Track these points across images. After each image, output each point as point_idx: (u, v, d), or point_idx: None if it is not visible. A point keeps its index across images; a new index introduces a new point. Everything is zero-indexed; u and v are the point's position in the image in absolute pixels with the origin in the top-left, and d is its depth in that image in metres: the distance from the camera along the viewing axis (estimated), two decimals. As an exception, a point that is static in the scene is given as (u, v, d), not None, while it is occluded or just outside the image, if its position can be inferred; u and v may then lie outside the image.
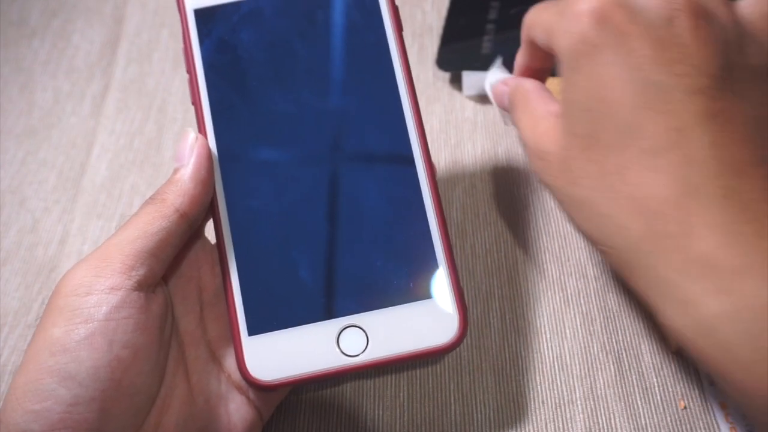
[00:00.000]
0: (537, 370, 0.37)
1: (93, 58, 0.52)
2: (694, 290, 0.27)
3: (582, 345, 0.37)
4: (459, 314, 0.31)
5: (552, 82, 0.39)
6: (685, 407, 0.35)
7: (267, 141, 0.33)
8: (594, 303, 0.39)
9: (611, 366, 0.37)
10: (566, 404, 0.36)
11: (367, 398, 0.37)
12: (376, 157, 0.32)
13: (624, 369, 0.37)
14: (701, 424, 0.35)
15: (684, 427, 0.35)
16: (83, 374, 0.26)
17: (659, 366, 0.36)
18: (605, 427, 0.35)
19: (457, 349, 0.37)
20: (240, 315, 0.31)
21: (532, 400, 0.36)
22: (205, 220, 0.33)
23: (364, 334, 0.30)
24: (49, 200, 0.46)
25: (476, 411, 0.36)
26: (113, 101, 0.50)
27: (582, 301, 0.39)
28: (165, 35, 0.53)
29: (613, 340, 0.37)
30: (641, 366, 0.36)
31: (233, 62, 0.33)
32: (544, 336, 0.38)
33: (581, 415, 0.35)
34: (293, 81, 0.33)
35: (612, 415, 0.35)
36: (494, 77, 0.41)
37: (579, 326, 0.38)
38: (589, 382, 0.36)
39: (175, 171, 0.31)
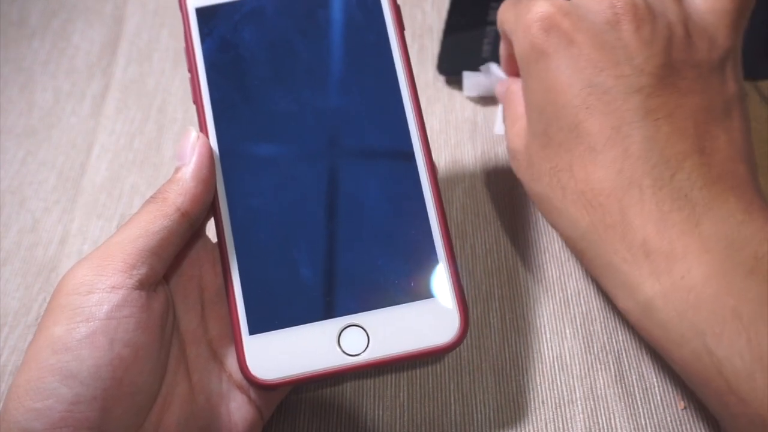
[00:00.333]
0: (537, 370, 0.37)
1: (93, 58, 0.52)
2: (635, 275, 0.29)
3: (582, 345, 0.37)
4: (460, 313, 0.31)
5: None
6: (685, 407, 0.35)
7: (268, 140, 0.33)
8: (594, 303, 0.39)
9: (611, 366, 0.37)
10: (566, 404, 0.36)
11: (367, 398, 0.37)
12: (377, 157, 0.32)
13: (624, 369, 0.37)
14: (701, 424, 0.35)
15: (684, 427, 0.35)
16: (84, 373, 0.26)
17: (659, 366, 0.36)
18: (605, 427, 0.35)
19: (457, 349, 0.37)
20: (241, 314, 0.31)
21: (532, 400, 0.36)
22: (206, 219, 0.33)
23: (365, 333, 0.30)
24: (49, 200, 0.46)
25: (476, 411, 0.36)
26: (113, 101, 0.50)
27: (582, 301, 0.39)
28: (165, 35, 0.53)
29: (613, 340, 0.37)
30: (641, 366, 0.37)
31: (235, 61, 0.33)
32: (544, 336, 0.38)
33: (581, 415, 0.35)
34: (295, 80, 0.33)
35: (612, 415, 0.35)
36: (496, 74, 0.41)
37: (579, 326, 0.38)
38: (589, 382, 0.36)
39: (177, 170, 0.31)
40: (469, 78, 0.46)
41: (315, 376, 0.30)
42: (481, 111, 0.47)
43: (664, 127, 0.30)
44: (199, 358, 0.32)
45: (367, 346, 0.30)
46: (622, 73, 0.30)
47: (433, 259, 0.31)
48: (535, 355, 0.37)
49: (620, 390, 0.36)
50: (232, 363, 0.32)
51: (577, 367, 0.37)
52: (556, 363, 0.37)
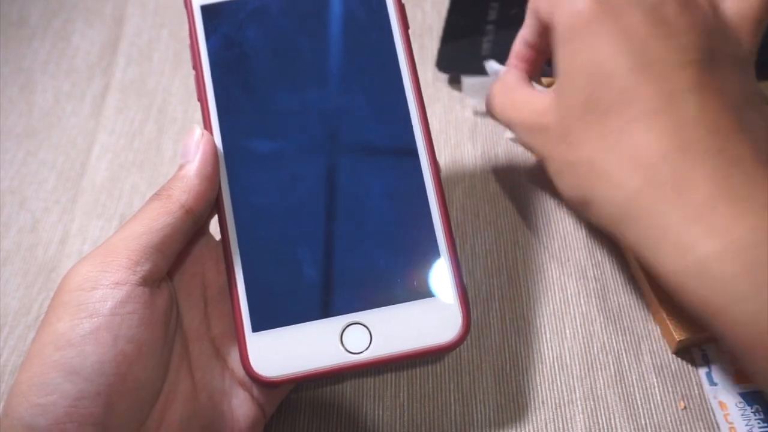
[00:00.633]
0: (537, 370, 0.37)
1: (93, 58, 0.52)
2: (691, 233, 0.29)
3: (582, 345, 0.38)
4: (462, 312, 0.31)
5: (545, 82, 0.40)
6: (685, 407, 0.35)
7: (272, 137, 0.33)
8: (594, 303, 0.39)
9: (611, 366, 0.37)
10: (566, 404, 0.36)
11: (367, 398, 0.37)
12: (380, 155, 0.33)
13: (624, 369, 0.37)
14: (701, 424, 0.35)
15: (684, 427, 0.35)
16: (88, 369, 0.26)
17: (659, 366, 0.36)
18: (605, 427, 0.35)
19: (458, 349, 0.37)
20: (244, 311, 0.31)
21: (532, 400, 0.36)
22: (210, 216, 0.33)
23: (367, 331, 0.30)
24: (49, 200, 0.46)
25: (476, 411, 0.36)
26: (113, 101, 0.50)
27: (582, 302, 0.39)
28: (165, 35, 0.53)
29: (613, 340, 0.38)
30: (641, 366, 0.37)
31: (239, 59, 0.33)
32: (544, 336, 0.38)
33: (581, 415, 0.35)
34: (299, 78, 0.33)
35: (612, 415, 0.35)
36: (494, 68, 0.42)
37: (579, 326, 0.38)
38: (589, 382, 0.36)
39: (181, 167, 0.31)
40: (468, 81, 0.46)
41: (317, 373, 0.30)
42: (481, 111, 0.47)
43: (713, 101, 0.31)
44: (202, 356, 0.32)
45: (370, 344, 0.30)
46: (674, 47, 0.31)
47: (435, 258, 0.31)
48: (535, 355, 0.37)
49: (620, 390, 0.36)
50: (234, 360, 0.32)
51: (577, 367, 0.37)
52: (556, 363, 0.37)
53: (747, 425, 0.34)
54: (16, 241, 0.44)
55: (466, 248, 0.41)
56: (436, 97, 0.48)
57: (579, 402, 0.36)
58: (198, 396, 0.31)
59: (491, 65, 0.42)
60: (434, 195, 0.32)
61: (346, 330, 0.30)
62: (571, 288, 0.39)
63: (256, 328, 0.30)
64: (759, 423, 0.34)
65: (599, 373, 0.37)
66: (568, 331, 0.38)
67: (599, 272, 0.40)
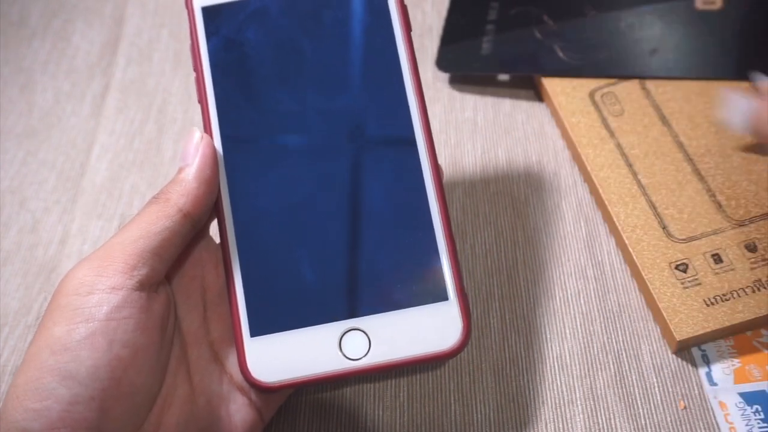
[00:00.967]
0: (537, 370, 0.37)
1: (93, 58, 0.52)
2: None
3: (582, 345, 0.37)
4: (463, 320, 0.30)
5: None
6: (685, 407, 0.35)
7: (273, 140, 0.32)
8: (594, 303, 0.39)
9: (611, 366, 0.37)
10: (566, 404, 0.36)
11: (367, 399, 0.37)
12: (381, 160, 0.32)
13: (624, 369, 0.37)
14: (701, 424, 0.35)
15: (684, 427, 0.35)
16: (83, 373, 0.26)
17: (659, 366, 0.36)
18: (605, 427, 0.35)
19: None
20: (243, 316, 0.30)
21: (532, 400, 0.36)
22: (210, 220, 0.33)
23: (366, 337, 0.30)
24: (49, 200, 0.46)
25: (476, 411, 0.36)
26: (113, 101, 0.50)
27: (582, 302, 0.39)
28: (165, 35, 0.53)
29: (613, 340, 0.37)
30: (641, 366, 0.37)
31: (240, 60, 0.33)
32: (544, 336, 0.38)
33: (581, 415, 0.35)
34: (300, 80, 0.33)
35: (612, 415, 0.35)
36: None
37: (579, 326, 0.38)
38: (589, 382, 0.36)
39: (180, 170, 0.31)
40: (732, 101, 0.40)
41: (316, 379, 0.30)
42: (481, 111, 0.47)
43: None
44: (201, 360, 0.32)
45: (369, 350, 0.30)
46: None
47: (436, 264, 0.31)
48: (535, 355, 0.37)
49: (620, 390, 0.36)
50: (233, 364, 0.32)
51: (577, 367, 0.37)
52: (556, 363, 0.37)
53: (747, 425, 0.34)
54: (16, 241, 0.44)
55: (466, 248, 0.41)
56: (436, 98, 0.48)
57: (579, 402, 0.36)
58: (196, 400, 0.30)
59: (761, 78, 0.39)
60: (435, 200, 0.32)
61: (345, 336, 0.30)
62: (571, 288, 0.39)
63: (254, 333, 0.30)
64: (759, 423, 0.34)
65: (599, 373, 0.37)
66: (568, 331, 0.38)
67: (599, 272, 0.40)
